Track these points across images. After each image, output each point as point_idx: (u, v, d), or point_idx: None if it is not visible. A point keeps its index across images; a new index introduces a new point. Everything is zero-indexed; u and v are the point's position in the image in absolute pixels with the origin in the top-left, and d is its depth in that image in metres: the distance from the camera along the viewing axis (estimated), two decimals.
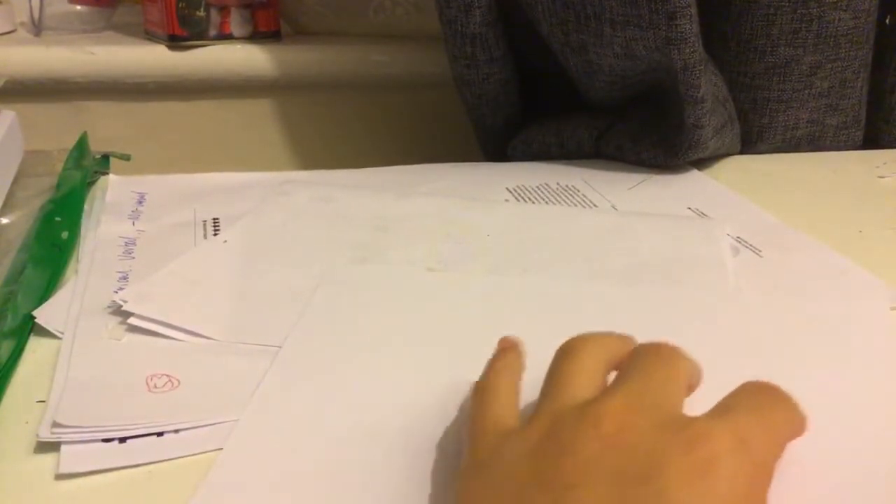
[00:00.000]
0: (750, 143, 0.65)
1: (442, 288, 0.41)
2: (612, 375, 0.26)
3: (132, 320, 0.37)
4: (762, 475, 0.21)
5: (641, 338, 0.28)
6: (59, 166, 0.53)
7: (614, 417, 0.22)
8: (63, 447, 0.29)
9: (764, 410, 0.23)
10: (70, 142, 0.56)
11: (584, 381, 0.25)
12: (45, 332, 0.36)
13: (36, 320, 0.37)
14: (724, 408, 0.23)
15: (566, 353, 0.27)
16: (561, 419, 0.23)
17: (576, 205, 0.52)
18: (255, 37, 0.77)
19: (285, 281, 0.41)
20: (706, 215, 0.51)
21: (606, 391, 0.24)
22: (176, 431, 0.30)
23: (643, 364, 0.25)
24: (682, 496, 0.19)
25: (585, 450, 0.21)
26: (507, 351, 0.28)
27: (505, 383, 0.27)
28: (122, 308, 0.37)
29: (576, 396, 0.24)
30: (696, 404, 0.25)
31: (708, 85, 0.55)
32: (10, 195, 0.49)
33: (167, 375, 0.33)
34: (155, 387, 0.32)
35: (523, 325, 0.33)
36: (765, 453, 0.22)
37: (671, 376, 0.24)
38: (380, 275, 0.42)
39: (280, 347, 0.35)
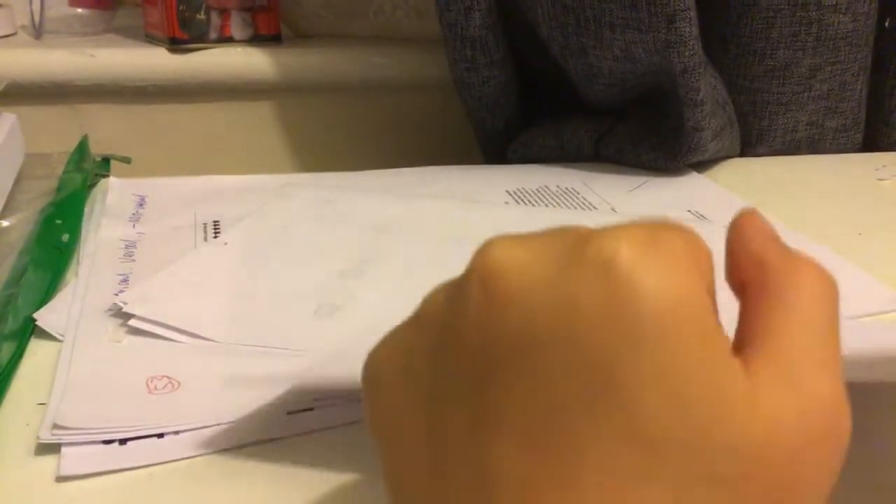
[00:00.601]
0: (749, 145, 0.65)
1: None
2: None
3: (132, 322, 0.37)
4: (705, 278, 0.19)
5: None
6: (60, 169, 0.53)
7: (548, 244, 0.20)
8: (64, 449, 0.29)
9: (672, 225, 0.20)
10: (70, 144, 0.56)
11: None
12: (45, 335, 0.36)
13: (36, 322, 0.37)
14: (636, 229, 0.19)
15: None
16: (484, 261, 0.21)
17: (575, 207, 0.52)
18: (255, 40, 0.77)
19: (285, 283, 0.41)
20: (706, 218, 0.51)
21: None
22: (176, 433, 0.30)
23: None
24: (635, 384, 0.16)
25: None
26: None
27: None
28: (123, 310, 0.37)
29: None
30: None
31: (707, 88, 0.55)
32: (11, 198, 0.49)
33: (168, 377, 0.33)
34: (155, 388, 0.32)
35: None
36: (706, 262, 0.20)
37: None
38: None
39: (282, 349, 0.35)
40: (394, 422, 0.20)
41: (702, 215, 0.51)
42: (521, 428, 0.17)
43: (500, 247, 0.21)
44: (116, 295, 0.39)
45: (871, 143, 0.68)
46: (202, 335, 0.36)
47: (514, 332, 0.18)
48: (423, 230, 0.48)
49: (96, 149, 0.58)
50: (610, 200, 0.54)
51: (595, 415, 0.16)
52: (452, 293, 0.21)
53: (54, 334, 0.36)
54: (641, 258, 0.17)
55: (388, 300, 0.40)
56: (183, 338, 0.36)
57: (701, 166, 0.61)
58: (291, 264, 0.43)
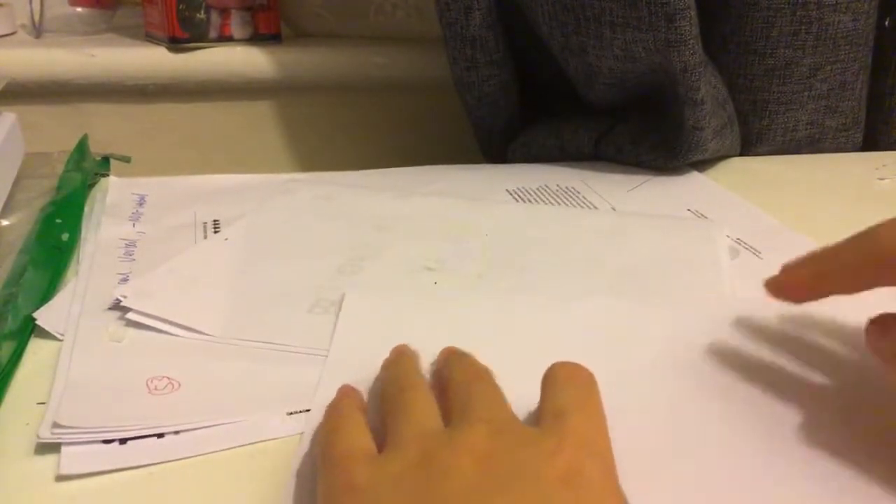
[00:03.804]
0: (750, 144, 0.65)
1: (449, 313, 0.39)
2: None
3: (131, 315, 0.37)
4: (609, 461, 0.25)
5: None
6: (60, 168, 0.53)
7: (480, 442, 0.25)
8: (63, 448, 0.29)
9: (587, 402, 0.27)
10: (70, 144, 0.56)
11: (427, 409, 0.28)
12: (45, 334, 0.36)
13: (36, 322, 0.37)
14: (557, 412, 0.26)
15: (398, 387, 0.29)
16: (431, 445, 0.25)
17: (575, 206, 0.52)
18: (255, 39, 0.77)
19: (285, 279, 0.41)
20: (706, 217, 0.51)
21: (459, 420, 0.27)
22: (176, 433, 0.30)
23: (462, 387, 0.29)
24: (560, 497, 0.23)
25: (464, 471, 0.24)
26: (346, 395, 0.30)
27: (354, 416, 0.29)
28: (122, 304, 0.37)
29: (428, 424, 0.27)
30: None
31: (707, 87, 0.55)
32: (11, 197, 0.49)
33: (168, 378, 0.33)
34: (156, 389, 0.32)
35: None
36: (605, 445, 0.26)
37: (489, 390, 0.28)
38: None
39: (279, 344, 0.35)
40: None
41: (702, 214, 0.51)
42: None
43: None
44: (118, 287, 0.39)
45: (871, 142, 0.68)
46: (200, 329, 0.36)
47: None
48: (422, 228, 0.48)
49: (96, 148, 0.58)
50: (610, 200, 0.54)
51: None
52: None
53: (54, 333, 0.36)
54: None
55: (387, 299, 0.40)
56: (181, 332, 0.36)
57: (701, 165, 0.61)
58: (290, 260, 0.43)
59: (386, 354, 0.33)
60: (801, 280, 0.30)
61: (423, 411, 0.28)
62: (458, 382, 0.29)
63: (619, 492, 0.24)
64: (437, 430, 0.27)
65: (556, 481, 0.23)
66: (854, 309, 0.40)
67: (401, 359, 0.32)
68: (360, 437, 0.27)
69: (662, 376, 0.34)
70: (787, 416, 0.31)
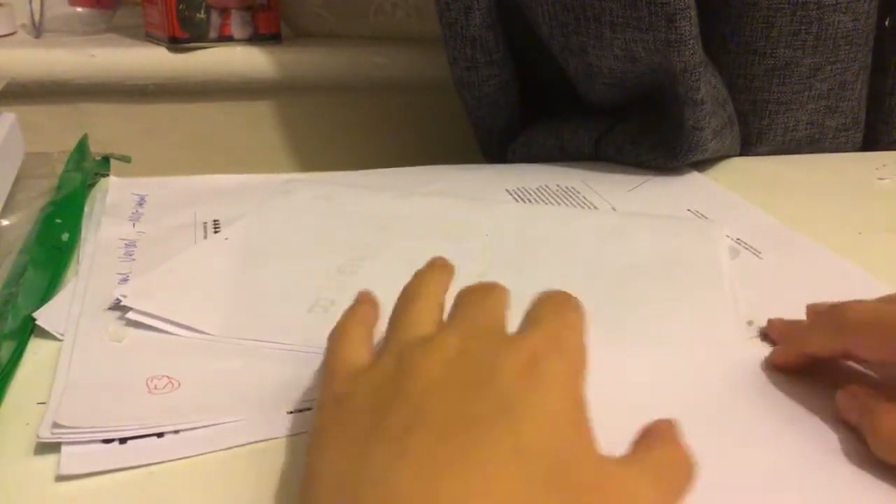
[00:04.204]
0: (750, 144, 0.65)
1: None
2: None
3: (131, 315, 0.37)
4: (576, 363, 0.25)
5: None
6: (60, 168, 0.53)
7: (455, 345, 0.26)
8: (63, 448, 0.29)
9: (565, 313, 0.27)
10: (70, 144, 0.56)
11: (426, 319, 0.29)
12: (45, 334, 0.36)
13: (36, 322, 0.37)
14: (535, 319, 0.27)
15: (407, 297, 0.30)
16: (408, 350, 0.26)
17: (575, 206, 0.52)
18: (255, 39, 0.77)
19: (285, 278, 0.41)
20: (706, 217, 0.51)
21: (445, 326, 0.28)
22: (176, 432, 0.30)
23: (470, 300, 0.29)
24: (515, 390, 0.23)
25: (431, 371, 0.25)
26: (362, 303, 0.32)
27: (357, 330, 0.30)
28: (122, 303, 0.37)
29: (419, 333, 0.28)
30: None
31: (707, 87, 0.55)
32: (11, 197, 0.49)
33: (168, 377, 0.33)
34: (155, 388, 0.32)
35: None
36: (575, 346, 0.26)
37: (493, 304, 0.29)
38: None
39: (279, 343, 0.35)
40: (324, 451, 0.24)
41: (702, 214, 0.51)
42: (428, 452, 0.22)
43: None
44: (118, 286, 0.39)
45: (871, 142, 0.68)
46: (200, 329, 0.36)
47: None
48: (422, 227, 0.48)
49: (96, 148, 0.58)
50: (610, 199, 0.54)
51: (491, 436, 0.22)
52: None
53: (54, 333, 0.36)
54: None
55: (384, 297, 0.40)
56: (181, 332, 0.36)
57: (701, 165, 0.61)
58: (290, 260, 0.43)
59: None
60: (786, 366, 0.34)
61: (419, 321, 0.29)
62: (464, 296, 0.30)
63: (581, 396, 0.24)
64: (422, 337, 0.27)
65: (512, 373, 0.24)
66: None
67: (429, 270, 0.33)
68: (357, 349, 0.29)
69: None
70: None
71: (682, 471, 0.24)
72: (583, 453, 0.23)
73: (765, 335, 0.37)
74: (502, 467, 0.21)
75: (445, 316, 0.30)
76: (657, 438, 0.25)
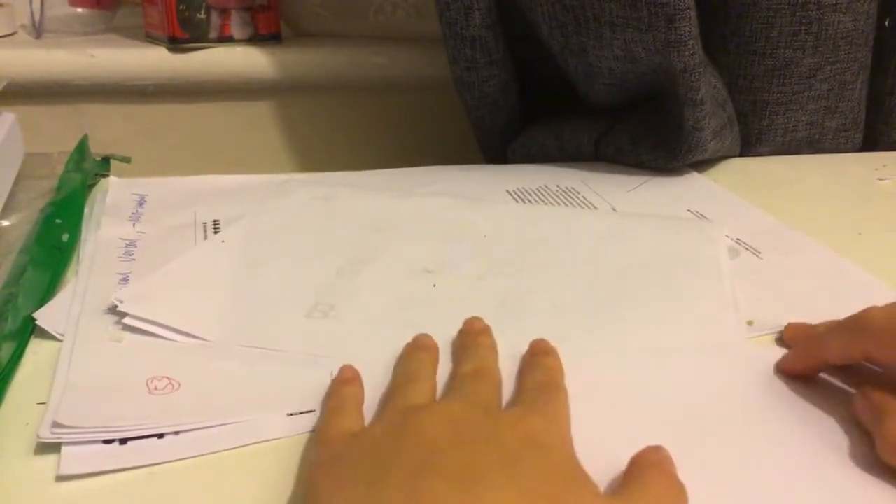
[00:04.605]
0: (749, 145, 0.65)
1: None
2: None
3: (128, 320, 0.37)
4: (567, 437, 0.28)
5: None
6: (60, 168, 0.53)
7: (455, 411, 0.28)
8: (63, 448, 0.29)
9: (547, 391, 0.31)
10: (70, 144, 0.56)
11: (422, 394, 0.31)
12: (45, 334, 0.36)
13: (36, 322, 0.37)
14: (529, 401, 0.31)
15: (403, 379, 0.32)
16: (411, 412, 0.28)
17: (575, 206, 0.52)
18: (255, 39, 0.77)
19: (282, 281, 0.41)
20: (706, 217, 0.51)
21: (444, 398, 0.31)
22: (176, 433, 0.30)
23: (465, 381, 0.32)
24: (518, 449, 0.26)
25: (437, 429, 0.26)
26: (351, 381, 0.33)
27: (351, 399, 0.31)
28: (119, 308, 0.37)
29: (417, 403, 0.30)
30: None
31: (707, 87, 0.55)
32: (11, 197, 0.49)
33: (168, 378, 0.33)
34: (155, 389, 0.32)
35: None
36: (563, 421, 0.29)
37: (488, 386, 0.31)
38: None
39: (278, 350, 0.35)
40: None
41: (702, 215, 0.51)
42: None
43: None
44: (116, 292, 0.39)
45: (870, 142, 0.68)
46: (197, 335, 0.36)
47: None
48: (421, 228, 0.48)
49: (96, 148, 0.58)
50: (610, 200, 0.54)
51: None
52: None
53: (54, 334, 0.36)
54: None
55: (383, 300, 0.40)
56: (178, 337, 0.36)
57: (701, 166, 0.61)
58: (289, 263, 0.43)
59: None
60: (797, 372, 0.34)
61: (416, 396, 0.31)
62: (461, 373, 0.32)
63: (574, 455, 0.27)
64: (421, 405, 0.30)
65: (516, 441, 0.26)
66: (852, 308, 0.40)
67: (416, 353, 0.35)
68: (352, 419, 0.30)
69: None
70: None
71: (672, 494, 0.26)
72: (582, 493, 0.25)
73: (780, 340, 0.37)
74: (512, 500, 0.23)
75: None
76: (648, 469, 0.27)
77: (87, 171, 0.54)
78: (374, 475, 0.25)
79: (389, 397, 0.31)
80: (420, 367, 0.33)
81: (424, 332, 0.36)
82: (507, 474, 0.24)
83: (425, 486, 0.24)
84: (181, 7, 0.73)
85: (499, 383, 0.32)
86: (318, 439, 0.29)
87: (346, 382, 0.33)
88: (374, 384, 0.33)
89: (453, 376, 0.33)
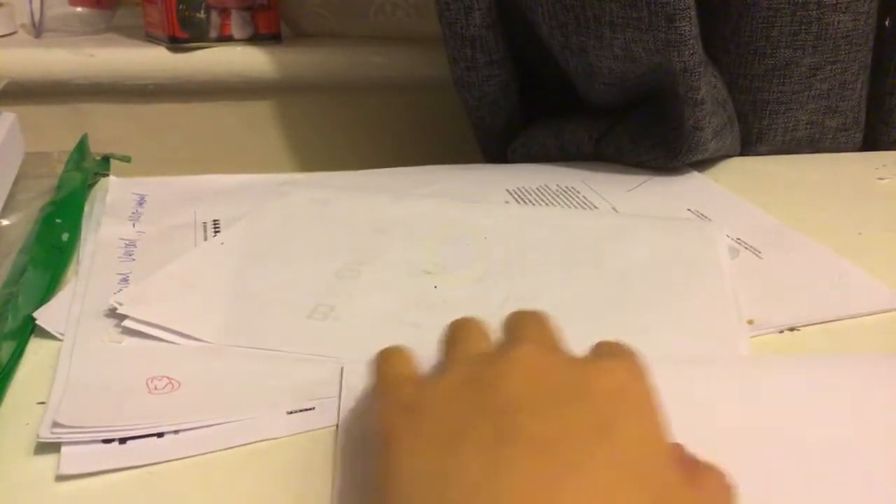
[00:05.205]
0: (750, 144, 0.65)
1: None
2: None
3: (127, 323, 0.37)
4: (654, 392, 0.26)
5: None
6: (60, 168, 0.53)
7: (530, 356, 0.26)
8: (63, 448, 0.29)
9: (630, 354, 0.28)
10: (70, 144, 0.56)
11: (480, 338, 0.30)
12: (45, 334, 0.36)
13: (36, 322, 0.37)
14: (607, 352, 0.28)
15: (456, 323, 0.31)
16: (479, 363, 0.26)
17: (575, 206, 0.52)
18: (255, 39, 0.77)
19: (282, 283, 0.41)
20: (706, 217, 0.51)
21: (510, 341, 0.28)
22: (176, 432, 0.30)
23: (522, 319, 0.30)
24: (609, 410, 0.24)
25: (513, 382, 0.25)
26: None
27: (402, 350, 0.30)
28: (118, 311, 0.37)
29: (479, 350, 0.28)
30: None
31: (708, 87, 0.55)
32: (11, 197, 0.49)
33: (167, 377, 0.33)
34: (155, 388, 0.32)
35: None
36: (648, 379, 0.27)
37: (551, 328, 0.30)
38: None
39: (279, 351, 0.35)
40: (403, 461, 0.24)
41: (702, 214, 0.51)
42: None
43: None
44: (115, 294, 0.39)
45: (871, 142, 0.68)
46: (197, 337, 0.36)
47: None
48: (420, 230, 0.48)
49: (96, 148, 0.58)
50: (610, 199, 0.54)
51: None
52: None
53: (54, 333, 0.36)
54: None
55: (384, 301, 0.40)
56: (177, 339, 0.36)
57: (701, 165, 0.61)
58: (288, 265, 0.43)
59: None
60: None
61: (474, 340, 0.29)
62: (512, 318, 0.30)
63: (663, 419, 0.25)
64: (485, 351, 0.28)
65: (602, 395, 0.24)
66: (852, 308, 0.40)
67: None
68: (409, 364, 0.29)
69: None
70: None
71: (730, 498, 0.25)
72: (669, 463, 0.24)
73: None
74: (603, 481, 0.22)
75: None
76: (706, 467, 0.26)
77: (86, 170, 0.53)
78: (451, 440, 0.23)
79: (447, 341, 0.30)
80: (469, 320, 0.31)
81: (425, 333, 0.36)
82: (599, 445, 0.23)
83: (505, 455, 0.22)
84: (181, 6, 0.73)
85: (552, 323, 0.30)
86: (381, 383, 0.28)
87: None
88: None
89: (507, 318, 0.30)
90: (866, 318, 0.40)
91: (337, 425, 0.31)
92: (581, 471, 0.22)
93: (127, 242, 0.45)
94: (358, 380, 0.33)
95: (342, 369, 0.34)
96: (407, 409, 0.26)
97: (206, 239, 0.46)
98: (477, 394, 0.25)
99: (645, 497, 0.22)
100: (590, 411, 0.24)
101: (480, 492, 0.21)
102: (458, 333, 0.30)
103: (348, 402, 0.32)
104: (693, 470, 0.25)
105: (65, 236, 0.45)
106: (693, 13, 0.52)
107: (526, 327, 0.29)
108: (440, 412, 0.25)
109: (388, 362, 0.30)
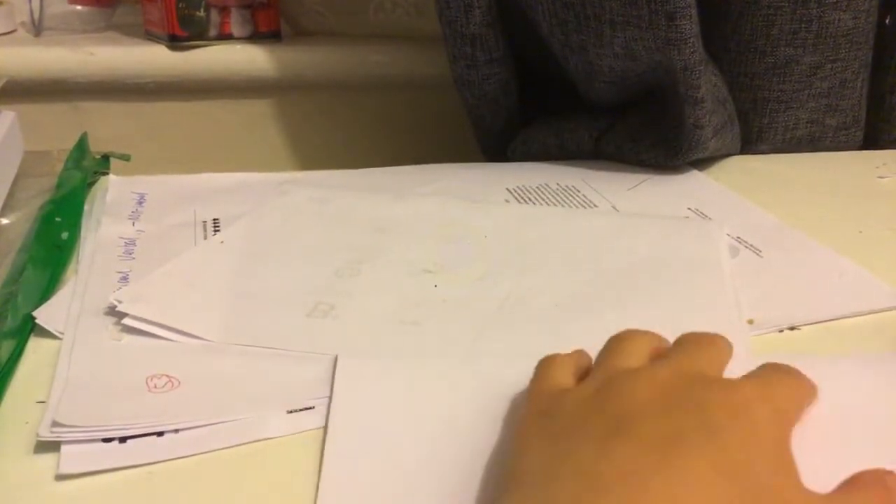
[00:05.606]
0: (750, 143, 0.65)
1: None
2: None
3: (126, 321, 0.37)
4: (785, 421, 0.26)
5: None
6: (60, 167, 0.53)
7: (665, 377, 0.27)
8: (63, 447, 0.29)
9: (789, 376, 0.29)
10: (70, 142, 0.56)
11: (635, 354, 0.30)
12: (45, 333, 0.36)
13: (36, 320, 0.37)
14: (756, 373, 0.28)
15: (619, 336, 0.31)
16: (616, 376, 0.28)
17: (576, 205, 0.52)
18: (255, 37, 0.77)
19: (281, 282, 0.41)
20: (706, 216, 0.51)
21: (659, 360, 0.29)
22: (176, 431, 0.30)
23: (689, 345, 0.30)
24: (721, 420, 0.24)
25: (640, 394, 0.26)
26: (578, 350, 0.32)
27: (568, 359, 0.31)
28: (117, 308, 0.37)
29: (630, 365, 0.29)
30: None
31: (708, 85, 0.55)
32: (10, 196, 0.49)
33: (167, 376, 0.33)
34: (155, 387, 0.32)
35: None
36: (785, 401, 0.27)
37: (717, 354, 0.30)
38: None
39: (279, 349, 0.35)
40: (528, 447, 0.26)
41: (702, 213, 0.51)
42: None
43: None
44: (115, 292, 0.39)
45: (871, 140, 0.68)
46: (196, 334, 0.36)
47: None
48: (420, 229, 0.48)
49: (95, 146, 0.58)
50: (610, 198, 0.53)
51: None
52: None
53: (54, 332, 0.36)
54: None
55: (383, 300, 0.40)
56: (177, 337, 0.36)
57: (701, 164, 0.61)
58: (288, 263, 0.43)
59: (383, 427, 0.31)
60: None
61: (631, 355, 0.30)
62: (689, 339, 0.31)
63: (787, 442, 0.25)
64: (633, 368, 0.28)
65: (720, 410, 0.25)
66: (853, 307, 0.40)
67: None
68: (565, 373, 0.30)
69: None
70: None
71: None
72: (787, 483, 0.24)
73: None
74: (704, 484, 0.22)
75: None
76: (863, 485, 0.25)
77: (86, 169, 0.53)
78: (570, 434, 0.25)
79: (603, 359, 0.30)
80: (636, 334, 0.31)
81: (425, 332, 0.36)
82: (706, 442, 0.23)
83: (618, 446, 0.24)
84: (181, 5, 0.72)
85: (728, 351, 0.30)
86: (529, 393, 0.30)
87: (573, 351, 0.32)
88: (374, 383, 0.33)
89: (681, 337, 0.31)
90: (866, 317, 0.39)
91: (326, 421, 0.31)
92: (675, 468, 0.23)
93: (127, 241, 0.45)
94: (351, 376, 0.33)
95: (335, 362, 0.33)
96: (543, 414, 0.27)
97: (205, 238, 0.46)
98: (603, 401, 0.26)
99: (740, 500, 0.22)
100: (701, 420, 0.24)
101: (586, 471, 0.23)
102: (616, 347, 0.31)
103: (340, 398, 0.32)
104: (839, 489, 0.25)
105: (64, 235, 0.45)
106: (693, 11, 0.52)
107: (686, 349, 0.30)
108: (568, 413, 0.26)
109: (548, 366, 0.31)
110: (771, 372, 0.29)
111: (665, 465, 0.23)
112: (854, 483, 0.25)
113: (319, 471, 0.28)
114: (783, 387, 0.28)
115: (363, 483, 0.28)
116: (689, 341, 0.30)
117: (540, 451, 0.25)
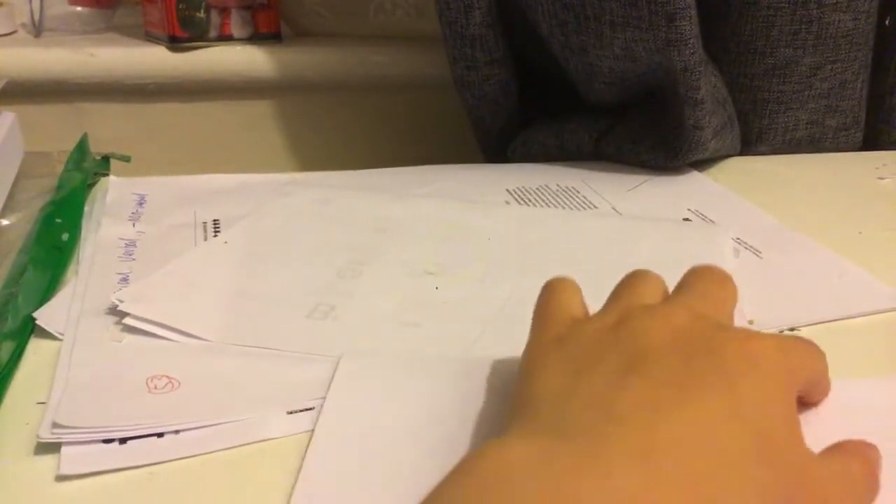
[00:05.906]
0: (750, 144, 0.65)
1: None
2: None
3: (128, 320, 0.37)
4: (793, 376, 0.27)
5: None
6: (60, 168, 0.53)
7: (681, 317, 0.27)
8: (63, 448, 0.29)
9: (801, 342, 0.29)
10: (70, 143, 0.56)
11: (649, 291, 0.30)
12: (45, 334, 0.36)
13: (36, 322, 0.37)
14: (775, 335, 0.28)
15: (632, 273, 0.32)
16: (632, 313, 0.28)
17: (576, 206, 0.52)
18: (255, 38, 0.77)
19: (283, 282, 0.41)
20: (706, 217, 0.51)
21: (670, 299, 0.30)
22: (176, 432, 0.30)
23: (700, 283, 0.30)
24: (737, 366, 0.25)
25: (654, 334, 0.26)
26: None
27: (572, 285, 0.32)
28: (119, 308, 0.37)
29: (644, 302, 0.29)
30: None
31: (708, 86, 0.55)
32: (11, 197, 0.49)
33: (168, 377, 0.33)
34: (155, 388, 0.32)
35: None
36: (798, 363, 0.28)
37: (724, 297, 0.30)
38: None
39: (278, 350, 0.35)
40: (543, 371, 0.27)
41: (702, 214, 0.51)
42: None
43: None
44: (115, 293, 0.39)
45: (871, 141, 0.68)
46: (197, 335, 0.36)
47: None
48: (420, 230, 0.48)
49: (96, 147, 0.58)
50: (610, 199, 0.54)
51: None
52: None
53: (54, 333, 0.36)
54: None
55: (384, 301, 0.40)
56: (178, 337, 0.36)
57: (701, 165, 0.61)
58: (289, 264, 0.43)
59: (379, 425, 0.30)
60: None
61: (645, 293, 0.30)
62: (698, 275, 0.31)
63: (793, 397, 0.26)
64: (648, 306, 0.29)
65: (735, 353, 0.25)
66: (853, 308, 0.40)
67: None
68: (574, 299, 0.31)
69: None
70: None
71: (867, 487, 0.25)
72: (792, 438, 0.24)
73: None
74: (718, 424, 0.23)
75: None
76: (846, 452, 0.26)
77: (86, 170, 0.53)
78: (585, 365, 0.25)
79: (618, 293, 0.31)
80: (649, 274, 0.32)
81: (426, 333, 0.35)
82: (722, 385, 0.24)
83: (635, 379, 0.24)
84: (181, 6, 0.73)
85: (736, 293, 0.31)
86: (539, 316, 0.30)
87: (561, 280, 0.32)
88: (371, 384, 0.33)
89: (689, 274, 0.31)
90: (866, 317, 0.39)
91: (317, 417, 0.30)
92: (691, 406, 0.23)
93: (127, 242, 0.45)
94: (350, 377, 0.33)
95: (337, 363, 0.33)
96: (558, 339, 0.28)
97: (206, 239, 0.46)
98: (620, 338, 0.26)
99: (751, 444, 0.23)
100: (718, 365, 0.24)
101: (597, 404, 0.23)
102: (632, 281, 0.31)
103: (334, 397, 0.32)
104: (825, 452, 0.25)
105: (65, 236, 0.45)
106: (693, 12, 0.52)
107: (695, 293, 0.30)
108: (583, 345, 0.27)
109: (556, 290, 0.31)
110: (789, 336, 0.29)
111: (682, 401, 0.23)
112: (838, 448, 0.26)
113: (299, 469, 0.28)
114: (798, 351, 0.28)
115: (345, 483, 0.28)
116: (700, 280, 0.31)
117: (554, 376, 0.26)
